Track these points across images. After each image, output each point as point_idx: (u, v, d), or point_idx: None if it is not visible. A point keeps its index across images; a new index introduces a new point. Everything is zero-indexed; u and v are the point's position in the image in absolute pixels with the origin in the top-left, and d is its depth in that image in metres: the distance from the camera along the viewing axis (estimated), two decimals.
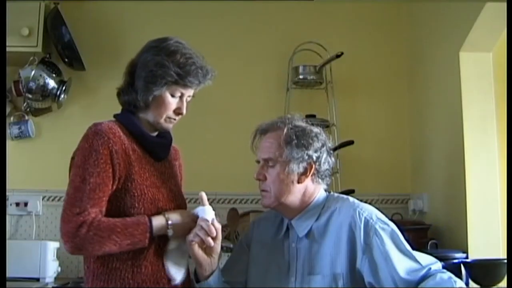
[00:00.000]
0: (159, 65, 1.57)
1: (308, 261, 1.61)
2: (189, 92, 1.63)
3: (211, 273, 1.61)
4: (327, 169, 1.67)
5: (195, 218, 1.57)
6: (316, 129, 1.68)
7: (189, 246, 1.55)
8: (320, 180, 1.66)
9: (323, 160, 1.64)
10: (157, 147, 1.67)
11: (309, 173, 1.63)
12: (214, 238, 1.54)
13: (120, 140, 1.56)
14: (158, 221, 1.53)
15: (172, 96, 1.61)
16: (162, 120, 1.63)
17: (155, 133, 1.69)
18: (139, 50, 1.67)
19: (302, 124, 1.68)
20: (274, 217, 1.76)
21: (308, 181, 1.64)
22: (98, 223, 1.46)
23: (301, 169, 1.62)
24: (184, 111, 1.64)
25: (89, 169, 1.49)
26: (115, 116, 1.68)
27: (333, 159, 1.70)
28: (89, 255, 1.54)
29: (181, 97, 1.62)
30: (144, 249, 1.54)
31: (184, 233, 1.57)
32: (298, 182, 1.62)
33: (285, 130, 1.63)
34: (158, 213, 1.56)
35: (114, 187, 1.54)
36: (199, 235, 1.53)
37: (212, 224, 1.54)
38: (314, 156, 1.62)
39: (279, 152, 1.61)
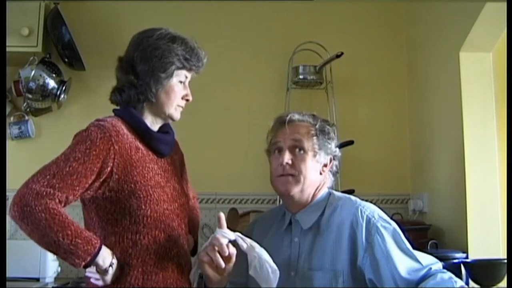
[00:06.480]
0: (167, 52, 1.54)
1: (309, 257, 1.61)
2: (190, 77, 1.63)
3: None
4: (337, 166, 1.72)
5: None
6: (331, 128, 1.73)
7: (200, 263, 1.51)
8: (331, 176, 1.71)
9: (338, 158, 1.71)
10: (161, 144, 1.61)
11: (329, 166, 1.68)
12: (226, 260, 1.47)
13: (124, 138, 1.50)
14: (106, 253, 1.44)
15: (180, 82, 1.59)
16: (172, 110, 1.59)
17: (156, 129, 1.64)
18: None
19: None
20: (275, 215, 1.76)
21: (325, 174, 1.68)
22: (56, 212, 1.36)
23: (326, 161, 1.66)
24: (191, 97, 1.62)
25: (77, 154, 1.43)
26: (116, 111, 1.61)
27: (339, 159, 1.75)
28: (22, 230, 1.43)
29: (184, 82, 1.61)
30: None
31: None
32: (320, 173, 1.66)
33: (319, 122, 1.68)
34: (164, 214, 1.53)
35: (97, 184, 1.46)
36: (209, 255, 1.47)
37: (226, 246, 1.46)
38: (336, 151, 1.69)
39: (312, 140, 1.64)
